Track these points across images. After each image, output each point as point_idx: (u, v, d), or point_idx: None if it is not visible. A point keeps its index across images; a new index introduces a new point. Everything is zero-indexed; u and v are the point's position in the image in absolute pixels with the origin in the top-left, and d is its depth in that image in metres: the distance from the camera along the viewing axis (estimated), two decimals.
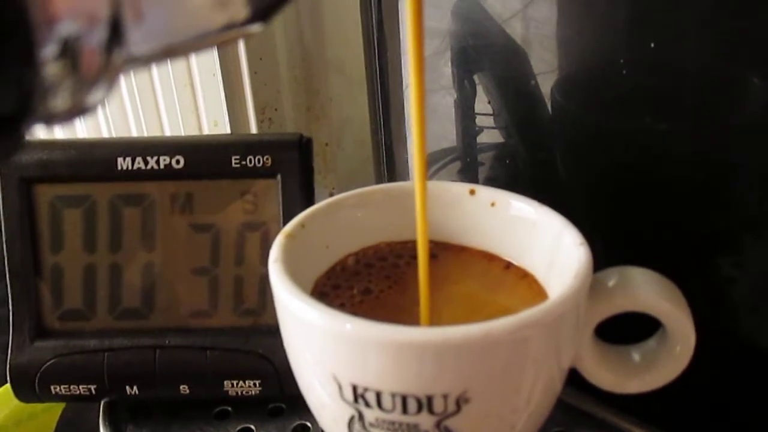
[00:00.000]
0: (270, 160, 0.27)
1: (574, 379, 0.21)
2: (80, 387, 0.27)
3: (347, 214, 0.24)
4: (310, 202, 0.27)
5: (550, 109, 0.27)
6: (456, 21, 0.29)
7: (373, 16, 0.34)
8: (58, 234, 0.27)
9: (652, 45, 0.22)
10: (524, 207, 0.23)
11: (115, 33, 0.09)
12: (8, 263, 0.27)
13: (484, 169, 0.31)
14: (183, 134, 0.44)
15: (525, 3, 0.26)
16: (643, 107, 0.24)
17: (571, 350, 0.20)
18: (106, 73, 0.09)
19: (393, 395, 0.18)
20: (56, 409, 0.32)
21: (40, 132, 0.10)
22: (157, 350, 0.27)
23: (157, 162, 0.27)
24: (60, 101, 0.09)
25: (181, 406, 0.28)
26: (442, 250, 0.25)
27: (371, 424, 0.19)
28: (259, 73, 0.41)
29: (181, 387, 0.27)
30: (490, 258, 0.24)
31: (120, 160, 0.27)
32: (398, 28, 0.33)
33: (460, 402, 0.18)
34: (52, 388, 0.27)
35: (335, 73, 0.44)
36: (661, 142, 0.24)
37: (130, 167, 0.27)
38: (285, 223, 0.23)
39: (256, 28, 0.12)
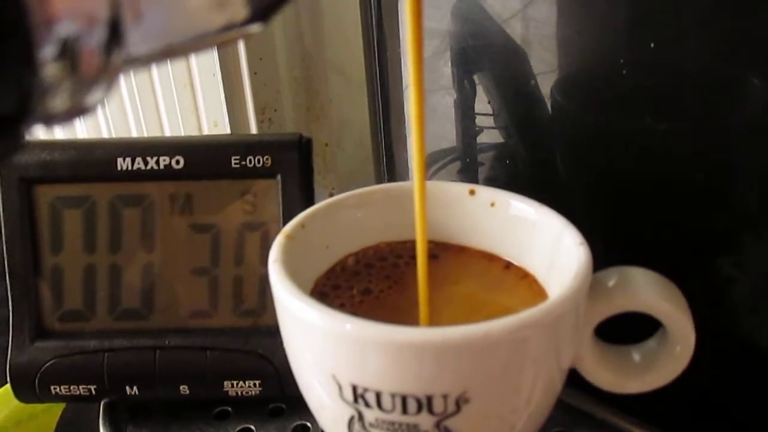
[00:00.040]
0: (270, 161, 0.27)
1: (574, 379, 0.21)
2: (80, 387, 0.27)
3: (347, 215, 0.24)
4: (310, 202, 0.27)
5: (549, 109, 0.27)
6: (456, 21, 0.29)
7: (373, 16, 0.34)
8: (58, 234, 0.27)
9: (652, 45, 0.22)
10: (524, 207, 0.23)
11: (115, 33, 0.09)
12: (8, 264, 0.27)
13: (484, 169, 0.31)
14: (183, 134, 0.44)
15: (525, 3, 0.26)
16: (643, 107, 0.24)
17: (571, 350, 0.20)
18: (106, 74, 0.09)
19: (393, 395, 0.18)
20: (56, 409, 0.32)
21: (40, 132, 0.10)
22: (157, 351, 0.27)
23: (157, 162, 0.27)
24: (59, 102, 0.09)
25: (181, 407, 0.28)
26: (442, 250, 0.25)
27: (371, 425, 0.19)
28: (259, 73, 0.41)
29: (181, 387, 0.27)
30: (490, 258, 0.24)
31: (120, 160, 0.27)
32: (398, 28, 0.33)
33: (460, 402, 0.18)
34: (52, 388, 0.27)
35: (335, 73, 0.44)
36: (661, 142, 0.24)
37: (130, 168, 0.27)
38: (285, 223, 0.23)
39: (255, 28, 0.12)
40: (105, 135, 0.49)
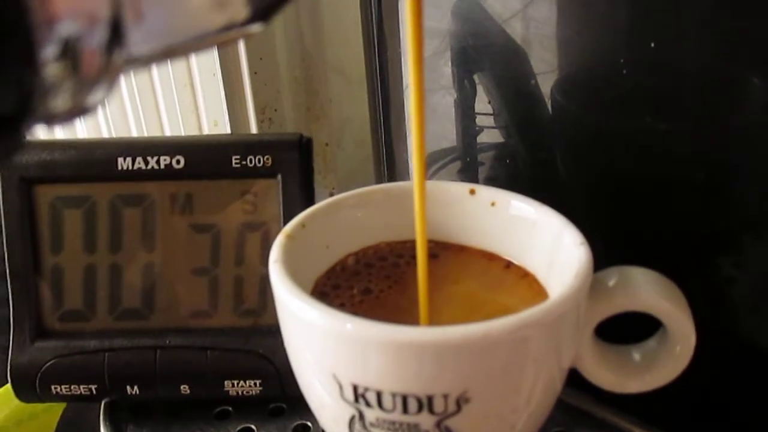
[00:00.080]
0: (270, 160, 0.27)
1: (574, 379, 0.21)
2: (81, 387, 0.27)
3: (347, 214, 0.24)
4: (310, 202, 0.27)
5: (550, 109, 0.27)
6: (456, 21, 0.29)
7: (373, 16, 0.34)
8: (58, 234, 0.27)
9: (652, 45, 0.22)
10: (524, 207, 0.23)
11: (116, 33, 0.09)
12: (9, 264, 0.27)
13: (484, 168, 0.31)
14: (183, 134, 0.44)
15: (525, 3, 0.26)
16: (643, 107, 0.24)
17: (571, 350, 0.20)
18: (107, 74, 0.09)
19: (393, 395, 0.18)
20: (57, 409, 0.32)
21: (40, 132, 0.10)
22: (158, 350, 0.27)
23: (158, 162, 0.27)
24: (60, 101, 0.09)
25: (182, 406, 0.28)
26: (443, 250, 0.25)
27: (372, 424, 0.19)
28: (259, 73, 0.41)
29: (182, 387, 0.27)
30: (490, 257, 0.24)
31: (120, 160, 0.27)
32: (398, 28, 0.33)
33: (461, 402, 0.18)
34: (52, 388, 0.27)
35: (335, 73, 0.44)
36: (661, 142, 0.24)
37: (130, 167, 0.27)
38: (285, 223, 0.23)
39: (256, 28, 0.12)
40: (105, 135, 0.49)
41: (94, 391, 0.27)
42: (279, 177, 0.27)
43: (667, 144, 0.24)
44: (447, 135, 0.31)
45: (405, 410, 0.18)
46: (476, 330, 0.17)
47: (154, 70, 0.42)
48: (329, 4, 0.42)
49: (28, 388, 0.27)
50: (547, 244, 0.22)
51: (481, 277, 0.23)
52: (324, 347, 0.18)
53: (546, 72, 0.26)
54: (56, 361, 0.27)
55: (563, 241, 0.21)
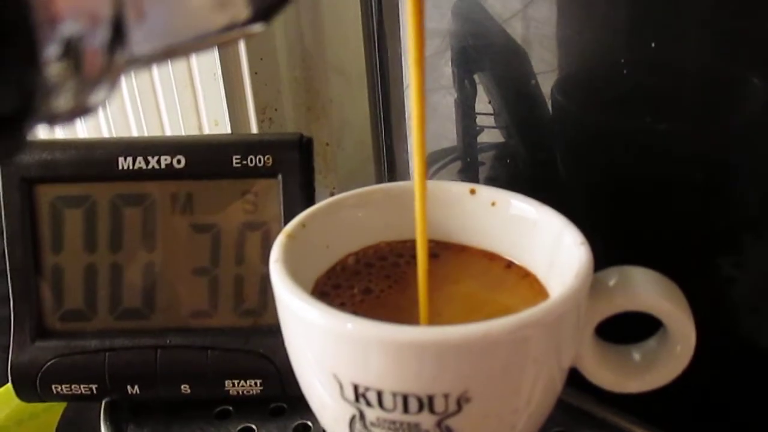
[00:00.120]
0: (271, 160, 0.27)
1: (575, 378, 0.21)
2: (81, 387, 0.27)
3: (348, 214, 0.24)
4: (310, 201, 0.27)
5: (550, 108, 0.27)
6: (456, 21, 0.29)
7: (373, 16, 0.34)
8: (58, 234, 0.27)
9: (653, 45, 0.22)
10: (525, 207, 0.23)
11: (118, 33, 0.09)
12: (9, 263, 0.27)
13: (485, 168, 0.31)
14: (183, 134, 0.44)
15: (525, 3, 0.26)
16: (643, 107, 0.24)
17: (571, 350, 0.20)
18: (109, 74, 0.09)
19: (394, 395, 0.18)
20: (57, 408, 0.32)
21: (41, 132, 0.10)
22: (158, 350, 0.27)
23: (158, 162, 0.27)
24: (62, 101, 0.09)
25: (182, 406, 0.28)
26: (443, 250, 0.25)
27: (372, 424, 0.19)
28: (259, 73, 0.41)
29: (182, 387, 0.27)
30: (490, 257, 0.24)
31: (121, 159, 0.27)
32: (398, 28, 0.33)
33: (461, 401, 0.18)
34: (53, 387, 0.27)
35: (335, 73, 0.44)
36: (661, 142, 0.24)
37: (130, 167, 0.27)
38: (286, 222, 0.23)
39: (257, 28, 0.12)
40: (106, 134, 0.49)
41: (95, 391, 0.27)
42: (279, 177, 0.27)
43: (667, 144, 0.24)
44: (447, 135, 0.31)
45: (405, 410, 0.18)
46: (476, 330, 0.17)
47: (155, 69, 0.43)
48: (329, 4, 0.42)
49: (28, 388, 0.27)
50: (547, 244, 0.22)
51: (481, 276, 0.24)
52: (324, 347, 0.18)
53: (546, 72, 0.26)
54: (57, 360, 0.27)
55: (563, 241, 0.21)
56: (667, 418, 0.26)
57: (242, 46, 0.39)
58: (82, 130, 0.49)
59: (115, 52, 0.09)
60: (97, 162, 0.27)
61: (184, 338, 0.27)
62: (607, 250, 0.21)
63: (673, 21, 0.22)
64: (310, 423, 0.28)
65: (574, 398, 0.26)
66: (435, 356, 0.17)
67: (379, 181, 0.39)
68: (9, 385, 0.28)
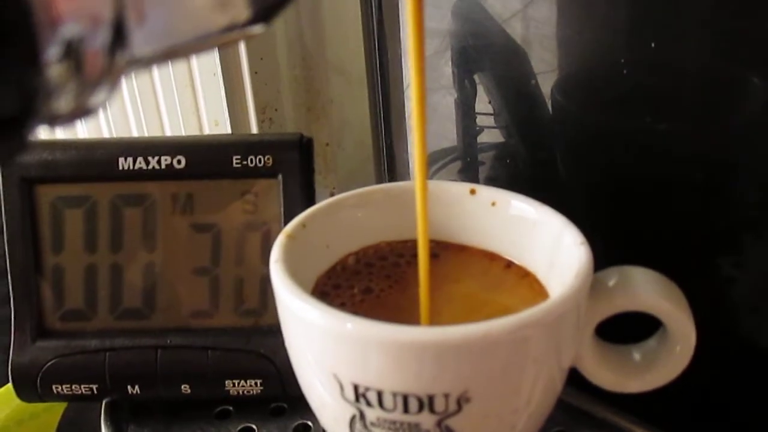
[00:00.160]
0: (271, 160, 0.27)
1: (575, 378, 0.21)
2: (82, 387, 0.27)
3: (348, 214, 0.24)
4: (310, 201, 0.27)
5: (550, 108, 0.27)
6: (456, 21, 0.29)
7: (373, 16, 0.34)
8: (59, 234, 0.27)
9: (653, 45, 0.22)
10: (525, 207, 0.23)
11: (118, 35, 0.09)
12: (10, 263, 0.27)
13: (485, 168, 0.31)
14: (184, 134, 0.44)
15: (525, 3, 0.26)
16: (643, 107, 0.24)
17: (571, 350, 0.20)
18: (109, 75, 0.09)
19: (394, 395, 0.18)
20: (58, 408, 0.32)
21: (41, 133, 0.10)
22: (159, 350, 0.27)
23: (158, 162, 0.27)
24: (63, 103, 0.09)
25: (183, 406, 0.28)
26: (443, 250, 0.25)
27: (372, 424, 0.19)
28: (259, 73, 0.41)
29: (183, 387, 0.27)
30: (490, 257, 0.24)
31: (121, 160, 0.27)
32: (398, 28, 0.33)
33: (461, 401, 0.18)
34: (53, 387, 0.27)
35: (336, 73, 0.44)
36: (661, 142, 0.24)
37: (131, 167, 0.27)
38: (286, 222, 0.23)
39: (257, 29, 0.12)
40: (106, 135, 0.49)
41: (95, 391, 0.27)
42: (280, 177, 0.27)
43: (667, 144, 0.24)
44: (447, 135, 0.31)
45: (406, 410, 0.18)
46: (476, 330, 0.17)
47: (155, 70, 0.43)
48: (330, 4, 0.42)
49: (29, 388, 0.27)
50: (547, 244, 0.22)
51: (481, 276, 0.24)
52: (325, 347, 0.19)
53: (546, 72, 0.26)
54: (57, 360, 0.27)
55: (563, 241, 0.21)
56: (667, 418, 0.26)
57: (242, 46, 0.39)
58: (82, 130, 0.49)
59: (115, 54, 0.09)
60: (98, 162, 0.27)
61: (185, 338, 0.27)
62: (607, 250, 0.21)
63: (673, 21, 0.22)
64: (310, 423, 0.28)
65: (574, 398, 0.27)
66: (435, 356, 0.17)
67: (379, 181, 0.39)
68: (9, 385, 0.28)
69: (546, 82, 0.26)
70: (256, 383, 0.27)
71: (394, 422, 0.18)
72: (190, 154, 0.27)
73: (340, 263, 0.24)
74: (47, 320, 0.27)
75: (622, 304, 0.20)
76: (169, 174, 0.27)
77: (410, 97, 0.19)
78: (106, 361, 0.27)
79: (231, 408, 0.29)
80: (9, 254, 0.27)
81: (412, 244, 0.24)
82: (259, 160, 0.27)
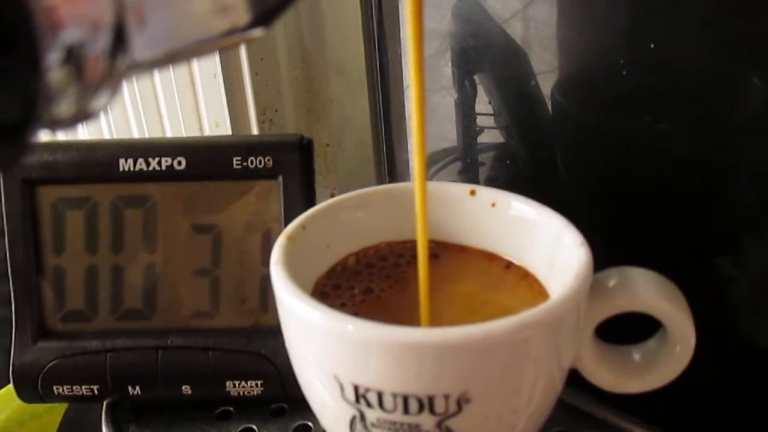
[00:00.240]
0: (271, 162, 0.27)
1: (575, 379, 0.21)
2: (83, 387, 0.27)
3: (348, 215, 0.24)
4: (311, 202, 0.27)
5: (550, 109, 0.27)
6: (456, 21, 0.29)
7: (373, 17, 0.34)
8: (60, 235, 0.27)
9: (652, 45, 0.22)
10: (525, 208, 0.23)
11: (119, 39, 0.09)
12: (11, 264, 0.27)
13: (485, 169, 0.31)
14: (184, 135, 0.44)
15: (525, 3, 0.26)
16: (643, 107, 0.24)
17: (571, 350, 0.20)
18: (110, 79, 0.09)
19: (394, 395, 0.18)
20: (59, 409, 0.32)
21: (42, 135, 0.10)
22: (159, 351, 0.27)
23: (159, 163, 0.27)
24: (64, 107, 0.09)
25: (183, 407, 0.28)
26: (443, 250, 0.25)
27: (373, 424, 0.19)
28: (260, 74, 0.41)
29: (183, 387, 0.27)
30: (490, 258, 0.24)
31: (122, 161, 0.27)
32: (398, 28, 0.33)
33: (461, 402, 0.18)
34: (54, 388, 0.27)
35: (336, 73, 0.44)
36: (661, 142, 0.24)
37: (131, 168, 0.27)
38: (286, 223, 0.23)
39: (257, 33, 0.12)
40: (107, 136, 0.49)
41: (96, 392, 0.27)
42: (280, 178, 0.27)
43: (667, 144, 0.24)
44: (447, 135, 0.31)
45: (406, 411, 0.18)
46: (476, 331, 0.17)
47: (156, 72, 0.42)
48: (330, 5, 0.42)
49: (30, 389, 0.27)
50: (547, 245, 0.22)
51: (481, 277, 0.24)
52: (325, 348, 0.19)
53: (546, 72, 0.26)
54: (58, 361, 0.27)
55: (563, 242, 0.21)
56: (667, 419, 0.26)
57: (243, 48, 0.40)
58: (83, 131, 0.49)
59: (116, 58, 0.09)
60: (99, 163, 0.27)
61: (185, 339, 0.27)
62: (607, 251, 0.21)
63: (673, 21, 0.22)
64: (310, 424, 0.28)
65: (574, 398, 0.27)
66: (435, 357, 0.17)
67: (380, 181, 0.39)
68: (10, 385, 0.28)
69: (546, 83, 0.26)
70: (256, 384, 0.27)
71: (394, 423, 0.18)
72: (190, 155, 0.27)
73: (341, 264, 0.24)
74: (48, 321, 0.27)
75: (622, 304, 0.20)
76: (169, 175, 0.27)
77: (410, 98, 0.19)
78: (107, 362, 0.27)
79: (231, 409, 0.29)
80: (10, 255, 0.27)
81: (411, 245, 0.24)
82: (260, 162, 0.27)
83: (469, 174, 0.31)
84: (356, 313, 0.22)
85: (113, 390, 0.27)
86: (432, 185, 0.23)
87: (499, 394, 0.19)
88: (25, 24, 0.08)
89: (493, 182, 0.31)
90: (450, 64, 0.30)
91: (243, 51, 0.40)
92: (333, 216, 0.24)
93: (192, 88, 0.42)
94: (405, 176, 0.35)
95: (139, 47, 0.09)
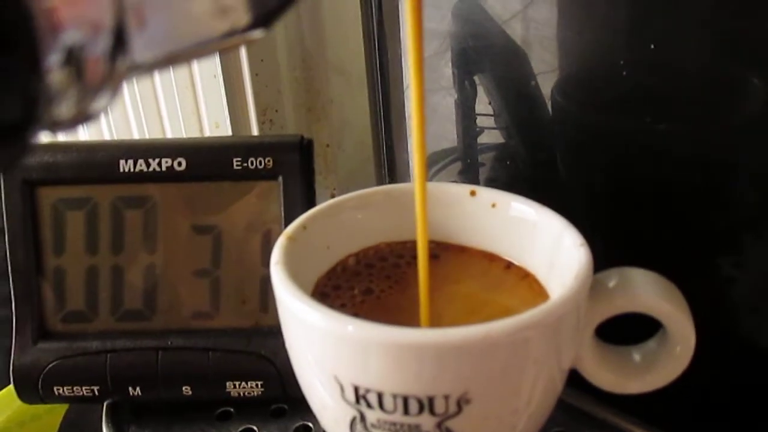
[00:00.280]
0: (271, 162, 0.27)
1: (575, 379, 0.21)
2: (83, 388, 0.27)
3: (348, 216, 0.24)
4: (311, 203, 0.27)
5: (550, 109, 0.27)
6: (456, 22, 0.29)
7: (373, 17, 0.34)
8: (60, 236, 0.27)
9: (652, 46, 0.23)
10: (525, 208, 0.23)
11: (119, 41, 0.09)
12: (11, 265, 0.27)
13: (485, 169, 0.31)
14: (184, 136, 0.44)
15: (525, 4, 0.26)
16: (643, 107, 0.24)
17: (571, 351, 0.20)
18: (110, 81, 0.09)
19: (394, 396, 0.18)
20: (59, 410, 0.32)
21: (43, 137, 0.10)
22: (160, 351, 0.27)
23: (159, 164, 0.27)
24: (65, 109, 0.09)
25: (184, 407, 0.28)
26: (443, 250, 0.25)
27: (373, 425, 0.19)
28: (260, 74, 0.41)
29: (184, 388, 0.27)
30: (490, 258, 0.24)
31: (122, 162, 0.27)
32: (398, 28, 0.33)
33: (461, 403, 0.18)
34: (55, 389, 0.27)
35: (336, 74, 0.44)
36: (661, 142, 0.24)
37: (132, 169, 0.27)
38: (286, 224, 0.23)
39: (257, 34, 0.12)
40: (107, 137, 0.49)
41: (97, 393, 0.27)
42: (280, 179, 0.27)
43: (667, 144, 0.24)
44: (447, 136, 0.31)
45: (406, 411, 0.18)
46: (476, 331, 0.17)
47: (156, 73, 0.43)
48: (330, 5, 0.42)
49: (30, 390, 0.27)
50: (547, 246, 0.22)
51: (481, 277, 0.24)
52: (325, 349, 0.19)
53: (546, 73, 0.26)
54: (59, 362, 0.27)
55: (563, 243, 0.21)
56: (667, 419, 0.26)
57: (243, 48, 0.40)
58: (83, 132, 0.49)
59: (116, 60, 0.09)
60: (99, 164, 0.27)
61: (186, 340, 0.27)
62: (607, 251, 0.21)
63: (673, 21, 0.22)
64: (310, 424, 0.28)
65: (574, 398, 0.27)
66: (435, 358, 0.17)
67: (380, 182, 0.39)
68: (11, 386, 0.28)
69: (546, 83, 0.26)
70: (256, 384, 0.27)
71: (394, 424, 0.18)
72: (190, 156, 0.27)
73: (341, 264, 0.24)
74: (48, 322, 0.27)
75: (622, 305, 0.20)
76: (170, 176, 0.27)
77: (410, 98, 0.19)
78: (107, 363, 0.27)
79: (232, 409, 0.29)
80: (10, 256, 0.27)
81: (411, 245, 0.24)
82: (260, 162, 0.27)
83: (469, 174, 0.31)
84: (356, 313, 0.22)
85: (113, 391, 0.27)
86: (432, 186, 0.23)
87: (499, 394, 0.19)
88: (25, 25, 0.08)
89: (493, 183, 0.31)
90: (450, 64, 0.30)
91: (243, 52, 0.40)
92: (333, 216, 0.24)
93: (192, 89, 0.42)
94: (405, 176, 0.35)
95: (140, 49, 0.09)
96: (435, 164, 0.32)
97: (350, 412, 0.19)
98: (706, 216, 0.25)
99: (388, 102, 0.35)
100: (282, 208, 0.27)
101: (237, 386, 0.27)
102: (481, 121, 0.30)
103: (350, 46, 0.42)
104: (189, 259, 0.27)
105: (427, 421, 0.18)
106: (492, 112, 0.29)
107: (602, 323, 0.21)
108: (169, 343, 0.27)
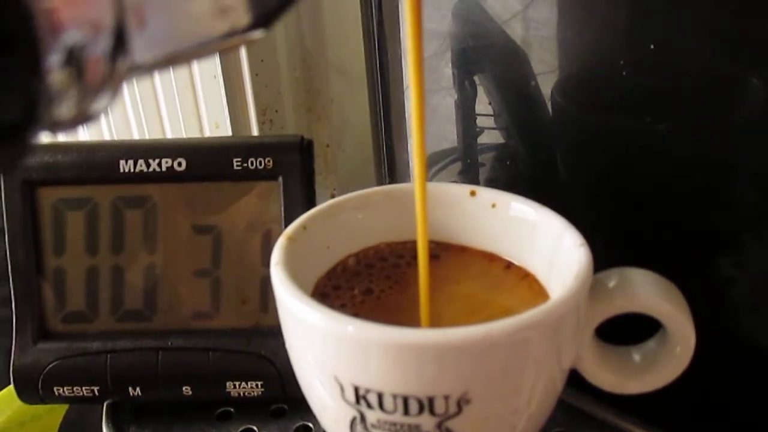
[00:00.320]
0: (271, 162, 0.27)
1: (575, 379, 0.21)
2: (83, 389, 0.27)
3: (348, 216, 0.24)
4: (311, 203, 0.27)
5: (550, 109, 0.27)
6: (456, 22, 0.29)
7: (373, 17, 0.34)
8: (60, 236, 0.27)
9: (652, 46, 0.23)
10: (525, 208, 0.23)
11: (119, 41, 0.09)
12: (11, 265, 0.27)
13: (485, 169, 0.31)
14: (184, 136, 0.44)
15: (525, 4, 0.26)
16: (643, 107, 0.24)
17: (571, 351, 0.20)
18: (111, 81, 0.09)
19: (394, 396, 0.18)
20: (59, 410, 0.32)
21: (43, 137, 0.10)
22: (160, 352, 0.27)
23: (159, 164, 0.27)
24: (65, 109, 0.09)
25: (184, 408, 0.28)
26: (443, 251, 0.25)
27: (373, 425, 0.19)
28: (260, 74, 0.41)
29: (184, 388, 0.27)
30: (490, 258, 0.24)
31: (122, 162, 0.27)
32: (398, 28, 0.33)
33: (461, 403, 0.18)
34: (55, 389, 0.27)
35: (336, 74, 0.44)
36: (661, 142, 0.24)
37: (132, 170, 0.27)
38: (286, 224, 0.23)
39: (257, 34, 0.12)
40: (107, 137, 0.49)
41: (97, 393, 0.27)
42: (280, 179, 0.27)
43: (667, 144, 0.24)
44: (447, 136, 0.31)
45: (406, 411, 0.18)
46: (477, 332, 0.17)
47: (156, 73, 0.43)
48: (330, 5, 0.42)
49: (30, 390, 0.27)
50: (547, 246, 0.22)
51: (481, 277, 0.24)
52: (325, 349, 0.19)
53: (546, 73, 0.26)
54: (59, 362, 0.27)
55: (563, 243, 0.21)
56: (667, 419, 0.26)
57: (243, 49, 0.40)
58: (83, 133, 0.49)
59: (117, 60, 0.09)
60: (99, 164, 0.27)
61: (186, 340, 0.27)
62: (607, 251, 0.21)
63: (673, 21, 0.22)
64: (310, 424, 0.28)
65: (574, 398, 0.27)
66: (435, 358, 0.17)
67: (380, 182, 0.39)
68: (11, 387, 0.28)
69: (546, 83, 0.26)
70: (256, 385, 0.27)
71: (394, 424, 0.18)
72: (190, 156, 0.27)
73: (341, 264, 0.24)
74: (49, 322, 0.27)
75: (622, 305, 0.20)
76: (170, 176, 0.27)
77: (410, 98, 0.19)
78: (107, 363, 0.27)
79: (232, 409, 0.29)
80: (10, 256, 0.27)
81: (411, 245, 0.24)
82: (260, 163, 0.27)
83: (469, 175, 0.31)
84: (356, 313, 0.22)
85: (114, 391, 0.27)
86: (432, 186, 0.23)
87: (500, 394, 0.19)
88: (25, 25, 0.08)
89: (493, 183, 0.31)
90: (450, 64, 0.30)
91: (243, 52, 0.40)
92: (333, 217, 0.24)
93: (192, 89, 0.42)
94: (405, 176, 0.35)
95: (140, 49, 0.09)
96: (435, 164, 0.32)
97: (350, 413, 0.19)
98: (706, 216, 0.25)
99: (388, 102, 0.35)
100: (282, 209, 0.27)
101: (237, 386, 0.27)
102: (481, 122, 0.30)
103: (350, 46, 0.42)
104: (189, 260, 0.27)
105: (427, 421, 0.18)
106: (492, 113, 0.29)
107: (602, 323, 0.21)
108: (169, 343, 0.27)
